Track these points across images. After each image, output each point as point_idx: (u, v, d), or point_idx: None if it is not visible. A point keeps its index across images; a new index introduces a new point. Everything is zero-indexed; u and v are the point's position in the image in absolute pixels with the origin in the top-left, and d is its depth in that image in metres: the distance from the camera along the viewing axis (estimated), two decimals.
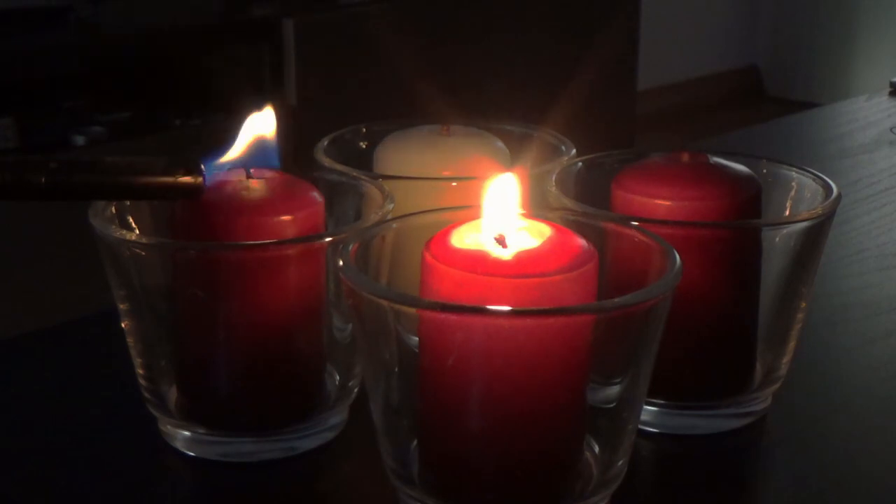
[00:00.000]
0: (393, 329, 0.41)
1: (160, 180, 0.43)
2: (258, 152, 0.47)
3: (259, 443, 0.48)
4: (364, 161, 0.57)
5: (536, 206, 0.48)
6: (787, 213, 0.52)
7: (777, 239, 0.49)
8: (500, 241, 0.41)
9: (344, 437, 0.49)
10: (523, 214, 0.43)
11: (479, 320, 0.39)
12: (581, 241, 0.41)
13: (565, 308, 0.39)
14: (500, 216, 0.42)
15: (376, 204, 0.48)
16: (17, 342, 0.60)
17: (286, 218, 0.47)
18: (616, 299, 0.39)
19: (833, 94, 2.93)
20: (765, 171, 0.53)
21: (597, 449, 0.43)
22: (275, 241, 0.46)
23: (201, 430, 0.48)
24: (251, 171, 0.48)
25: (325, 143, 0.57)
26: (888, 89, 1.06)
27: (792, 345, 0.51)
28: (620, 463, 0.43)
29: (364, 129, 0.59)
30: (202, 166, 0.44)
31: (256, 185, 0.47)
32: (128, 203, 0.49)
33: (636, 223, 0.45)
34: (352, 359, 0.49)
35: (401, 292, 0.40)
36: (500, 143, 0.57)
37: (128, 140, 1.70)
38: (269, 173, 0.48)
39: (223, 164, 0.46)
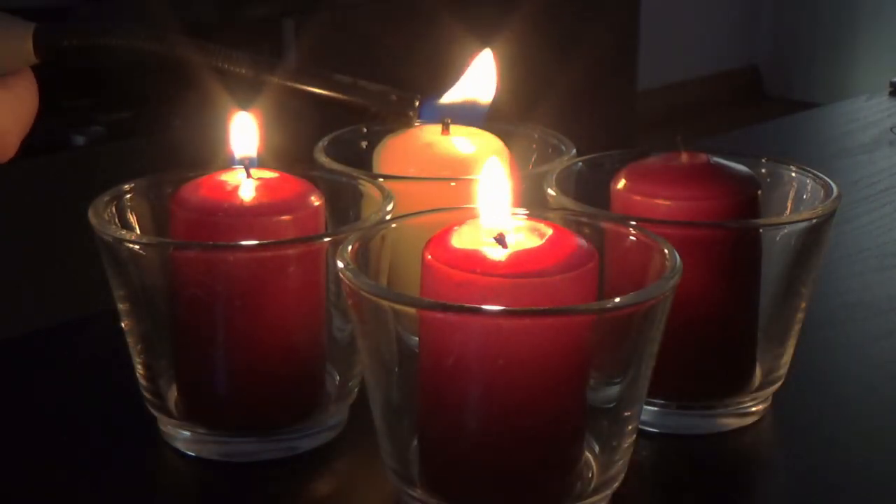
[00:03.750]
0: (393, 329, 0.41)
1: (376, 89, 0.44)
2: (468, 108, 0.49)
3: (259, 443, 0.48)
4: (364, 161, 0.57)
5: (536, 206, 0.48)
6: (787, 213, 0.52)
7: (777, 239, 0.49)
8: (500, 242, 0.41)
9: (344, 437, 0.49)
10: (523, 214, 0.43)
11: (479, 320, 0.39)
12: (581, 241, 0.41)
13: (565, 308, 0.39)
14: (500, 216, 0.42)
15: (376, 204, 0.48)
16: (18, 342, 0.60)
17: (286, 218, 0.47)
18: (616, 299, 0.39)
19: (833, 94, 2.92)
20: (765, 171, 0.53)
21: (597, 449, 0.43)
22: (275, 241, 0.46)
23: (201, 430, 0.48)
24: (252, 170, 0.48)
25: (325, 143, 0.57)
26: (888, 89, 1.06)
27: (792, 345, 0.51)
28: (620, 463, 0.43)
29: (364, 129, 0.59)
30: (418, 99, 0.46)
31: (256, 185, 0.47)
32: (128, 203, 0.49)
33: (636, 223, 0.45)
34: (352, 359, 0.49)
35: (401, 292, 0.40)
36: (499, 143, 0.57)
37: (128, 140, 1.70)
38: (268, 173, 0.48)
39: (437, 106, 0.48)
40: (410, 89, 0.47)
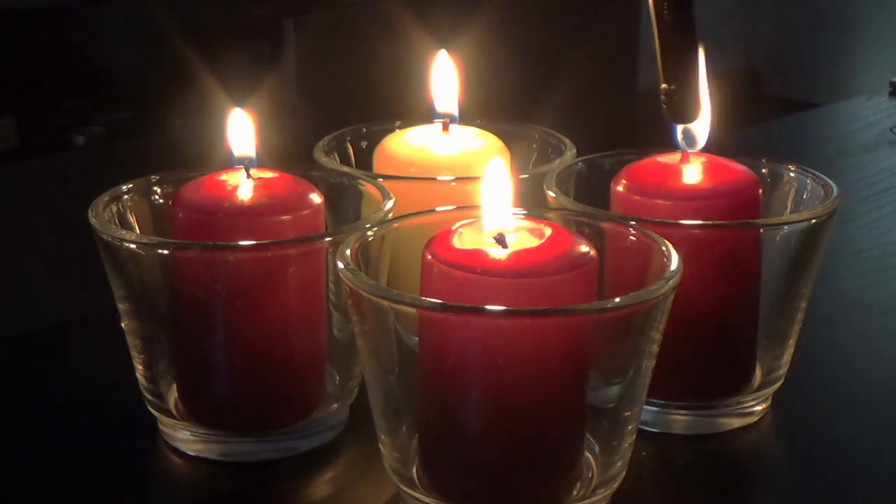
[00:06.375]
0: (393, 329, 0.41)
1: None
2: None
3: (259, 443, 0.48)
4: (364, 161, 0.57)
5: (536, 206, 0.48)
6: (787, 213, 0.52)
7: (777, 239, 0.49)
8: (500, 241, 0.41)
9: (344, 437, 0.49)
10: (523, 214, 0.43)
11: (478, 320, 0.39)
12: (581, 241, 0.41)
13: (565, 308, 0.39)
14: (500, 216, 0.42)
15: (376, 204, 0.48)
16: (18, 342, 0.60)
17: (286, 218, 0.47)
18: (616, 299, 0.39)
19: (833, 94, 2.92)
20: (765, 171, 0.53)
21: (597, 449, 0.43)
22: (275, 241, 0.46)
23: (201, 430, 0.48)
24: (251, 170, 0.48)
25: (325, 143, 0.57)
26: (888, 89, 1.06)
27: (792, 345, 0.51)
28: (620, 463, 0.43)
29: (364, 129, 0.59)
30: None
31: (256, 185, 0.47)
32: (128, 203, 0.49)
33: (636, 223, 0.45)
34: (352, 359, 0.49)
35: (401, 292, 0.40)
36: (500, 143, 0.57)
37: (128, 140, 1.70)
38: (268, 173, 0.48)
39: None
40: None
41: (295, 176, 0.49)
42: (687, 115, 0.46)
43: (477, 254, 0.40)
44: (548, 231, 0.41)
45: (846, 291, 0.64)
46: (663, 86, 0.46)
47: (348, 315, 0.44)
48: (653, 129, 0.47)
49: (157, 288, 0.47)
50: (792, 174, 0.53)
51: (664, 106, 0.46)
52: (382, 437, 0.43)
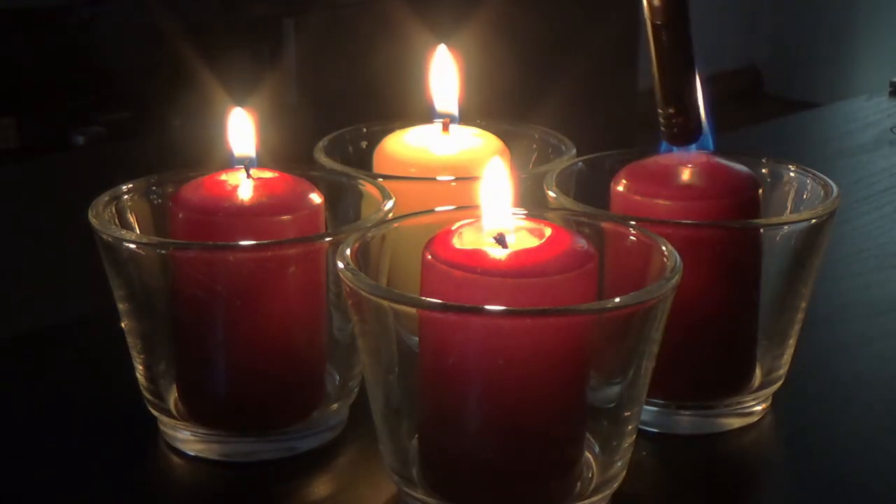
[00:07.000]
0: (393, 329, 0.41)
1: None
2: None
3: (259, 443, 0.48)
4: (364, 161, 0.57)
5: (536, 206, 0.48)
6: (787, 213, 0.52)
7: (777, 239, 0.49)
8: (500, 241, 0.41)
9: (344, 437, 0.49)
10: (523, 214, 0.43)
11: (478, 320, 0.39)
12: (581, 241, 0.41)
13: (565, 308, 0.39)
14: (500, 216, 0.42)
15: (376, 204, 0.48)
16: (18, 342, 0.60)
17: (286, 218, 0.47)
18: (616, 299, 0.39)
19: (833, 94, 2.92)
20: (765, 171, 0.53)
21: (597, 449, 0.43)
22: (275, 241, 0.46)
23: (201, 430, 0.48)
24: (251, 170, 0.48)
25: (325, 143, 0.57)
26: (888, 89, 1.06)
27: (792, 345, 0.51)
28: (620, 463, 0.43)
29: (364, 129, 0.59)
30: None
31: (256, 185, 0.47)
32: (128, 203, 0.49)
33: (636, 223, 0.45)
34: (352, 359, 0.49)
35: (401, 292, 0.40)
36: (500, 143, 0.57)
37: (128, 140, 1.70)
38: (268, 173, 0.48)
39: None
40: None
41: (295, 176, 0.49)
42: (687, 138, 0.46)
43: (477, 254, 0.40)
44: (548, 231, 0.41)
45: (846, 291, 0.64)
46: (662, 109, 0.46)
47: (348, 315, 0.44)
48: (653, 129, 0.47)
49: (157, 288, 0.47)
50: (792, 174, 0.53)
51: (663, 129, 0.46)
52: (382, 437, 0.43)
